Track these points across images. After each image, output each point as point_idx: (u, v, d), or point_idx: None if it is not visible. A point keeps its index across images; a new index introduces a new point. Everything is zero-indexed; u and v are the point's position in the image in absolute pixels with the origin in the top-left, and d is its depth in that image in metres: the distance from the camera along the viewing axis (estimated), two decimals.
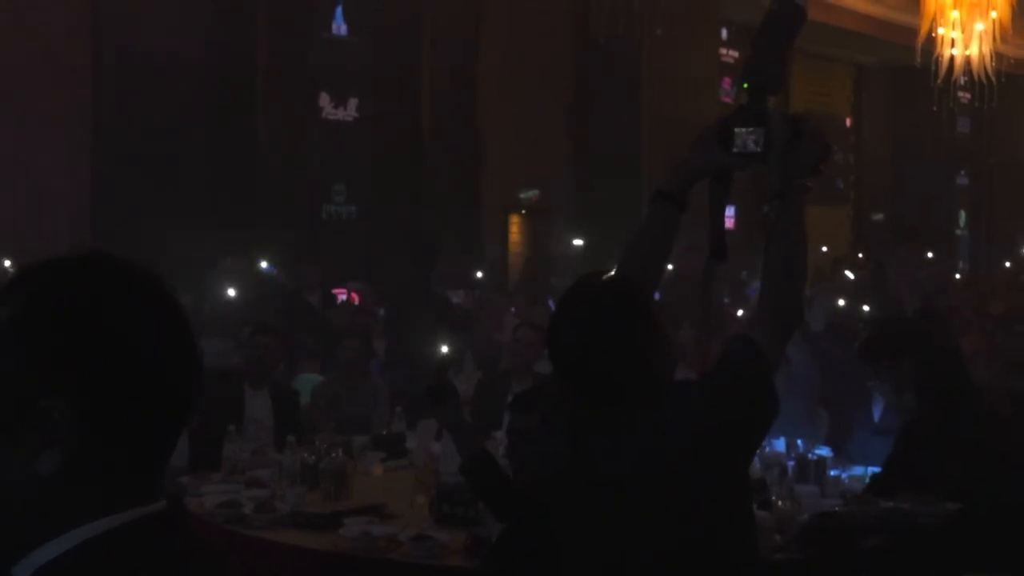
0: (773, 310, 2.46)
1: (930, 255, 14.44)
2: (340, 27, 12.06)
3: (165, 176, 10.81)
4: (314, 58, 11.83)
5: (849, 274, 12.72)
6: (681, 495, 2.31)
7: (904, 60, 13.00)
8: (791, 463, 4.69)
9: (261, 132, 11.52)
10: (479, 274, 11.65)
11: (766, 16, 2.50)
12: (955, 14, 11.28)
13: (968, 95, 20.50)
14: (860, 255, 17.21)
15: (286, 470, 4.52)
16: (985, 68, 11.39)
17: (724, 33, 16.37)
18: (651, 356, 2.36)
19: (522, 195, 14.47)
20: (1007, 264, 15.89)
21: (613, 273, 2.54)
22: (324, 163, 12.00)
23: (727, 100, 16.60)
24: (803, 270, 2.52)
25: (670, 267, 10.34)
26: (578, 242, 13.46)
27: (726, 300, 9.96)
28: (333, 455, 4.49)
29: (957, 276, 14.82)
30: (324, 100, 11.91)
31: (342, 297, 10.41)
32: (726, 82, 16.55)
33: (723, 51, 16.44)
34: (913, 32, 11.83)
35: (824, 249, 16.51)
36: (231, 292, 8.53)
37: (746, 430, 2.42)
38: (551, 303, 8.40)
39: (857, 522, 3.80)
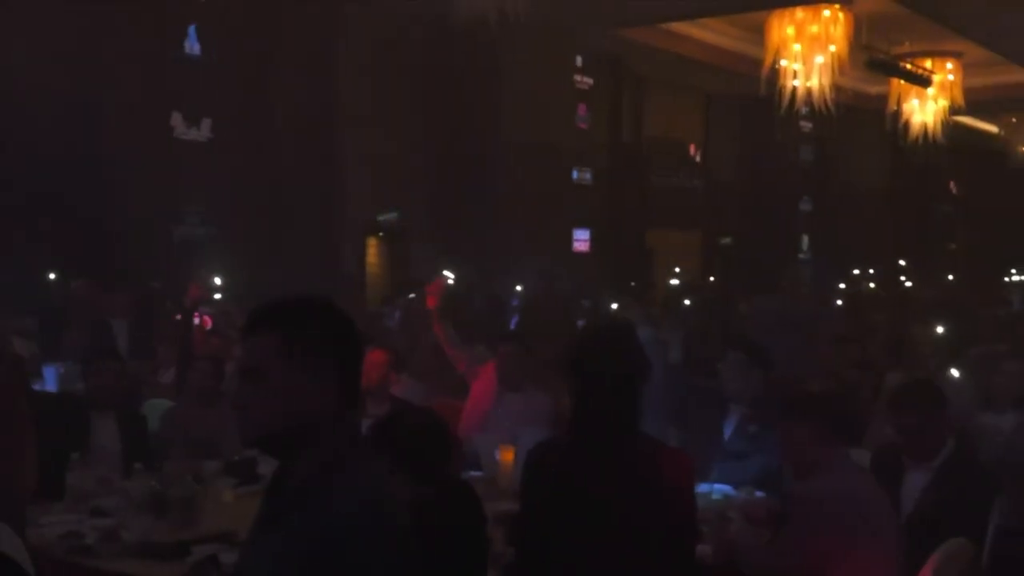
0: None
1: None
2: (193, 46, 11.83)
3: (9, 199, 10.41)
4: (166, 77, 11.58)
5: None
6: None
7: (751, 90, 13.47)
8: None
9: (110, 152, 11.19)
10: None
11: None
12: (797, 47, 11.76)
13: (810, 124, 21.29)
14: (712, 279, 17.67)
15: (133, 498, 4.38)
16: (825, 99, 11.89)
17: (579, 60, 16.69)
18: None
19: (380, 217, 14.41)
20: (841, 286, 16.54)
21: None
22: (176, 184, 11.71)
23: (582, 126, 16.91)
24: None
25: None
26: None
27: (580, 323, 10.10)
28: (183, 482, 4.38)
29: None
30: (176, 120, 11.65)
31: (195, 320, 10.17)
32: (581, 108, 16.86)
33: (577, 78, 16.76)
34: (759, 63, 12.27)
35: (676, 274, 16.88)
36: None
37: None
38: None
39: None
